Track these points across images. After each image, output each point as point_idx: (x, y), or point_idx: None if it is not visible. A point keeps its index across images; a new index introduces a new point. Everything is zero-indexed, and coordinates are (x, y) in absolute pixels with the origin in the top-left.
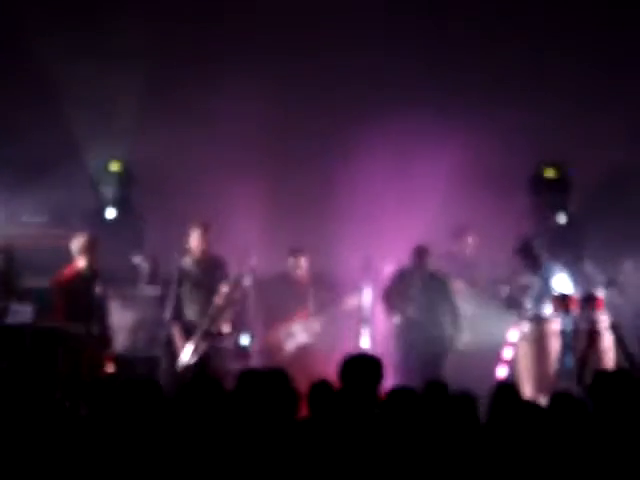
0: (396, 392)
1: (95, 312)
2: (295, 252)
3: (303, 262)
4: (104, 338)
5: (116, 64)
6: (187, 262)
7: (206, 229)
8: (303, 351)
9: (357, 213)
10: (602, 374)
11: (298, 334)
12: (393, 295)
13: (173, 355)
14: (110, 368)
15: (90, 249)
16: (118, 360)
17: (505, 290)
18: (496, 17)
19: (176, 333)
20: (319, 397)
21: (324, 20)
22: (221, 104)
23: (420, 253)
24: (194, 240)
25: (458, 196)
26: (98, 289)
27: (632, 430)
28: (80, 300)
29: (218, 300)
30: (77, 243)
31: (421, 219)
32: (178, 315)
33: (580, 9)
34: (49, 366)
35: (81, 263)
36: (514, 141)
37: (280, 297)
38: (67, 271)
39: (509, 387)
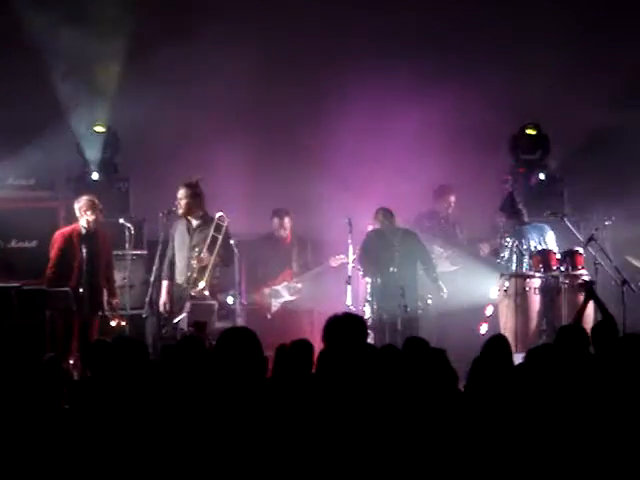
0: (377, 349)
1: (86, 272)
2: (279, 212)
3: (287, 222)
4: (111, 296)
5: (99, 29)
6: (179, 223)
7: (191, 188)
8: (287, 310)
9: (340, 174)
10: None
11: (282, 294)
12: (367, 257)
13: (158, 315)
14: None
15: (88, 210)
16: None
17: (484, 248)
18: None
19: (162, 293)
20: (299, 356)
21: None
22: (205, 67)
23: (386, 213)
24: (179, 200)
25: (441, 155)
26: (96, 249)
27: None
28: (71, 258)
29: (196, 261)
30: (77, 204)
31: (404, 178)
32: (167, 276)
33: None
34: (36, 327)
35: (81, 223)
36: (497, 101)
37: (265, 257)
38: (67, 229)
39: (502, 339)
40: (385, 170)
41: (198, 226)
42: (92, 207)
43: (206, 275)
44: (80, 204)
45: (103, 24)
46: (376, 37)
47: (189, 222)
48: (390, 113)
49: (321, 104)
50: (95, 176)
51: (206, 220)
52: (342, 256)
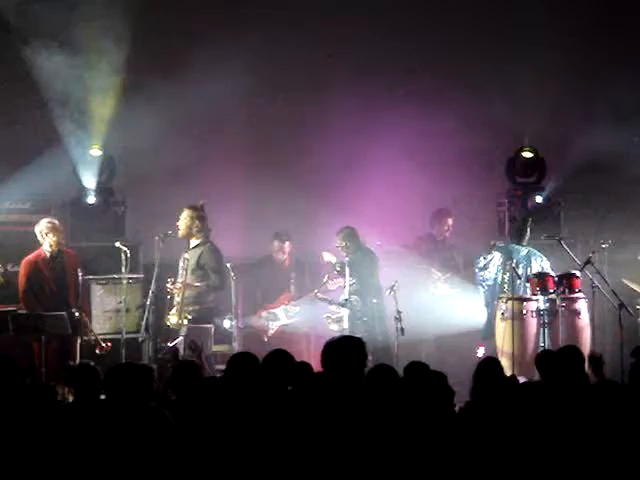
0: (376, 371)
1: (66, 295)
2: (280, 236)
3: (287, 246)
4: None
5: (96, 55)
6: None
7: (192, 210)
8: (284, 334)
9: (338, 197)
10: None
11: (280, 317)
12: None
13: (155, 339)
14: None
15: (49, 233)
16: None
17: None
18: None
19: None
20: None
21: None
22: (201, 93)
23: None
24: (179, 221)
25: (438, 178)
26: (65, 271)
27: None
28: (44, 282)
29: (171, 288)
30: (38, 227)
31: (401, 202)
32: None
33: None
34: (31, 352)
35: (45, 246)
36: (494, 123)
37: (263, 280)
38: (32, 255)
39: (494, 361)
40: (383, 193)
41: (191, 250)
42: (53, 229)
43: (179, 307)
44: (40, 227)
45: (100, 50)
46: (375, 59)
47: (188, 246)
48: (388, 137)
49: (320, 128)
50: (91, 200)
51: (199, 245)
52: (340, 279)
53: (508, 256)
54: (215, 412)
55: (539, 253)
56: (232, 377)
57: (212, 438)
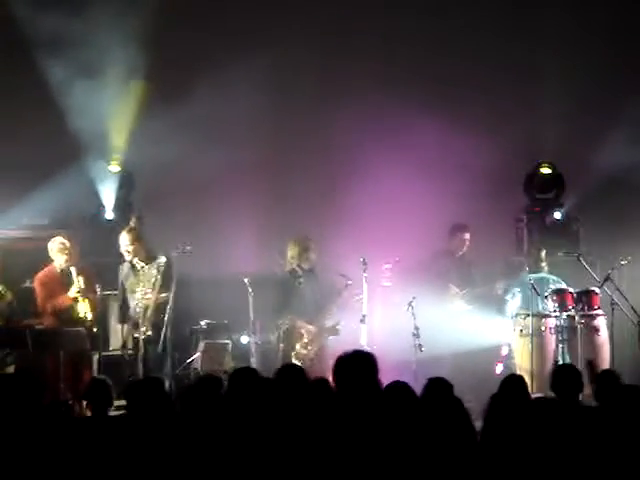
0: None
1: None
2: None
3: None
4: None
5: (115, 71)
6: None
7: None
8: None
9: (355, 214)
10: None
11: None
12: None
13: (172, 354)
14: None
15: (61, 252)
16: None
17: (500, 287)
18: (498, 15)
19: None
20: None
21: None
22: (220, 106)
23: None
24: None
25: (456, 195)
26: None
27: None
28: (60, 299)
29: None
30: (52, 244)
31: (419, 219)
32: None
33: (583, 9)
34: (50, 367)
35: (57, 263)
36: (512, 139)
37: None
38: (43, 271)
39: (518, 379)
40: (400, 211)
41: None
42: (63, 250)
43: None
44: (51, 245)
45: (118, 65)
46: (391, 72)
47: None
48: (406, 154)
49: (337, 143)
50: (110, 215)
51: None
52: (360, 296)
53: (521, 284)
54: (228, 428)
55: (555, 278)
56: (234, 393)
57: (226, 453)
